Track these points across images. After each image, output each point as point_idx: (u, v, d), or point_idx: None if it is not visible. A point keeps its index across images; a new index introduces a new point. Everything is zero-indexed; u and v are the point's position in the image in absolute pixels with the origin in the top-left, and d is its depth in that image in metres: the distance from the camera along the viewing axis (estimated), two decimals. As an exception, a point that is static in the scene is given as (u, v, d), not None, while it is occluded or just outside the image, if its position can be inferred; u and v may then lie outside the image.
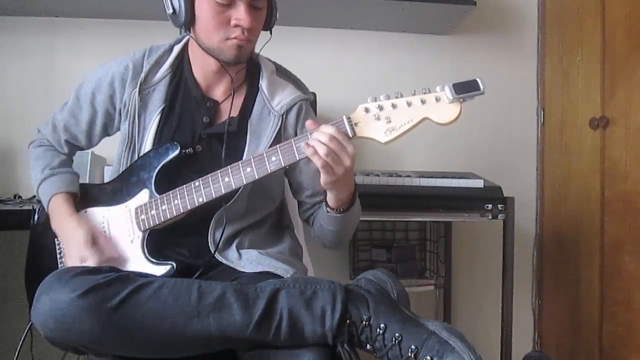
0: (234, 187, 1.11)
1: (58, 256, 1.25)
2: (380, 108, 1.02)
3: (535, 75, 2.49)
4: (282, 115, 1.26)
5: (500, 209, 1.81)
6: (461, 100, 0.98)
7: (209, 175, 1.13)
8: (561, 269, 2.31)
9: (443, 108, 0.99)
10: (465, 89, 0.98)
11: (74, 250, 1.15)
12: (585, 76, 2.15)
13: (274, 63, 1.35)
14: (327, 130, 1.03)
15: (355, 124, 1.04)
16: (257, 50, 1.27)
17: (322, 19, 2.27)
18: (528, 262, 2.48)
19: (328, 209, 1.19)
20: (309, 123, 1.06)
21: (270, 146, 1.19)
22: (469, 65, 2.42)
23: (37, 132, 1.38)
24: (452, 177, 1.85)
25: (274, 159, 1.08)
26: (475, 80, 0.98)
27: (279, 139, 1.23)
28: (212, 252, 1.18)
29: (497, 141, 2.44)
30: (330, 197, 1.16)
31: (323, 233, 1.27)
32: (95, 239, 1.16)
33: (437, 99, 1.00)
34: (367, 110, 1.03)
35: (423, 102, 1.00)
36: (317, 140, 1.02)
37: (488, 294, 2.31)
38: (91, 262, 1.12)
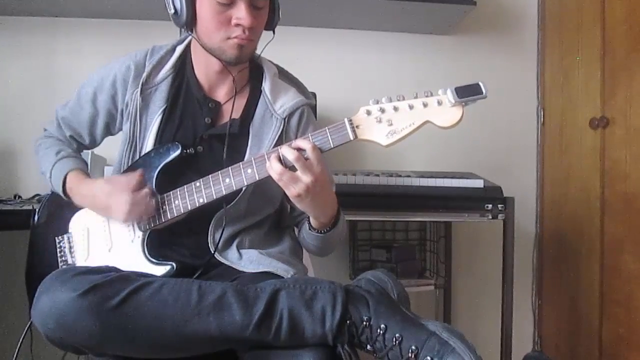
0: (234, 188, 1.11)
1: (58, 256, 1.25)
2: (382, 111, 1.01)
3: (535, 75, 2.49)
4: (285, 119, 1.25)
5: (500, 209, 1.81)
6: (463, 104, 0.97)
7: (210, 176, 1.12)
8: (561, 269, 2.31)
9: (445, 111, 0.98)
10: (467, 92, 0.97)
11: (105, 199, 1.15)
12: (585, 76, 2.15)
13: (276, 65, 1.35)
14: (298, 143, 1.04)
15: (357, 127, 1.03)
16: (259, 50, 1.27)
17: (322, 19, 2.27)
18: (528, 262, 2.48)
19: (310, 227, 1.20)
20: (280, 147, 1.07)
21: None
22: (469, 65, 2.42)
23: (43, 131, 1.39)
24: (452, 177, 1.85)
25: None
26: (478, 84, 0.97)
27: (280, 142, 1.23)
28: (212, 252, 1.18)
29: (497, 141, 2.45)
30: (311, 218, 1.17)
31: (306, 244, 1.30)
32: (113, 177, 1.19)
33: (439, 103, 0.99)
34: (368, 112, 1.02)
35: (425, 105, 0.99)
36: (275, 160, 1.03)
37: (488, 294, 2.31)
38: (126, 196, 1.12)
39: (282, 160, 1.04)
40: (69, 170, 1.24)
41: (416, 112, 1.00)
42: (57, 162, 1.26)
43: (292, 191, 1.04)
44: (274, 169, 1.03)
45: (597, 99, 2.05)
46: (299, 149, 1.03)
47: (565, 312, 2.28)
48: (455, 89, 0.97)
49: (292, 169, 1.04)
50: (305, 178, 1.02)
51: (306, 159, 1.03)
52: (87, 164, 1.33)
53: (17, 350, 1.23)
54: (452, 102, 0.97)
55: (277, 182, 1.04)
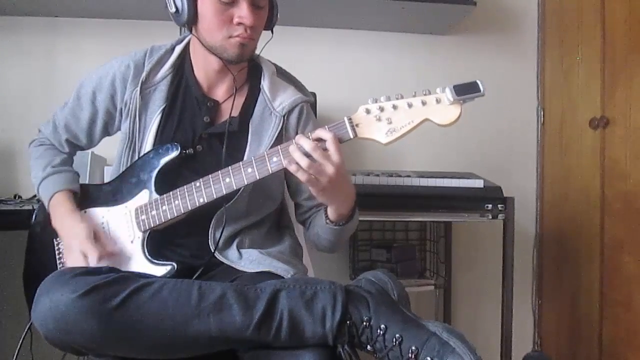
0: (234, 188, 1.11)
1: (57, 256, 1.25)
2: (381, 109, 1.02)
3: (535, 75, 2.49)
4: (284, 116, 1.26)
5: (500, 209, 1.81)
6: (462, 101, 0.99)
7: (210, 175, 1.12)
8: (561, 269, 2.31)
9: (444, 109, 1.00)
10: (465, 90, 0.98)
11: (75, 245, 1.14)
12: (585, 76, 2.15)
13: (274, 64, 1.36)
14: (318, 134, 1.04)
15: (356, 125, 1.04)
16: (258, 49, 1.27)
17: (322, 19, 2.26)
18: (528, 262, 2.48)
19: (327, 220, 1.19)
20: (297, 137, 1.06)
21: (272, 147, 1.20)
22: (469, 65, 2.42)
23: (37, 132, 1.39)
24: (452, 177, 1.85)
25: (275, 159, 1.08)
26: (476, 82, 0.99)
27: (280, 139, 1.24)
28: (212, 251, 1.18)
29: (497, 141, 2.44)
30: (331, 210, 1.17)
31: (318, 240, 1.29)
32: (97, 235, 1.17)
33: (438, 101, 1.00)
34: (368, 111, 1.03)
35: (424, 103, 1.00)
36: (300, 153, 1.02)
37: (488, 294, 2.31)
38: (92, 257, 1.12)
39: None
40: (55, 192, 1.23)
41: (415, 110, 1.01)
42: (45, 179, 1.26)
43: (317, 185, 1.04)
44: (302, 164, 1.02)
45: (597, 99, 2.05)
46: (319, 140, 1.04)
47: (565, 312, 2.28)
48: (454, 87, 0.98)
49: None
50: (329, 169, 1.03)
51: (325, 149, 1.03)
52: (76, 174, 1.32)
53: (17, 350, 1.23)
54: (451, 100, 0.98)
55: (299, 178, 1.03)
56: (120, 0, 2.02)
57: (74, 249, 1.15)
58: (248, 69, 1.31)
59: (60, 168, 1.29)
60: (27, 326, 1.17)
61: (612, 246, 1.98)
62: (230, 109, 1.24)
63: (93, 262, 1.12)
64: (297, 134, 1.27)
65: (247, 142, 1.23)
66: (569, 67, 2.26)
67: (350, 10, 2.18)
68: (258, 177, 1.09)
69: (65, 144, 1.35)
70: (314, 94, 1.55)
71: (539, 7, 2.49)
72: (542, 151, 2.48)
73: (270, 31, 1.28)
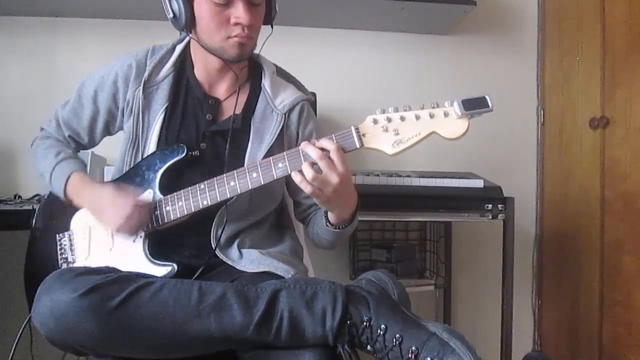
0: (239, 192, 1.12)
1: (58, 255, 1.25)
2: (389, 120, 1.02)
3: (535, 75, 2.49)
4: (285, 114, 1.26)
5: (500, 209, 1.81)
6: (469, 116, 0.99)
7: (215, 178, 1.13)
8: (561, 269, 2.31)
9: (451, 123, 1.00)
10: (474, 105, 0.99)
11: (106, 204, 1.14)
12: (585, 76, 2.15)
13: (274, 64, 1.36)
14: (322, 143, 1.04)
15: (363, 135, 1.04)
16: (259, 46, 1.27)
17: (322, 19, 2.27)
18: (528, 262, 2.48)
19: (328, 223, 1.20)
20: (303, 145, 1.07)
21: (273, 144, 1.22)
22: (469, 66, 2.42)
23: (40, 130, 1.39)
24: (452, 177, 1.85)
25: (280, 165, 1.08)
26: (484, 97, 1.00)
27: (281, 137, 1.24)
28: (214, 249, 1.18)
29: (497, 141, 2.44)
30: (332, 215, 1.18)
31: (318, 239, 1.30)
32: (122, 187, 1.17)
33: (446, 114, 1.01)
34: (375, 121, 1.04)
35: (431, 116, 1.01)
36: (307, 163, 1.04)
37: (488, 294, 2.31)
38: (127, 208, 1.11)
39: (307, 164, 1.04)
40: (72, 172, 1.23)
41: (422, 122, 1.01)
42: (59, 163, 1.26)
43: (321, 197, 1.05)
44: (307, 175, 1.03)
45: (597, 99, 2.05)
46: (323, 149, 1.04)
47: (565, 312, 2.28)
48: (462, 101, 0.99)
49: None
50: (333, 179, 1.03)
51: (329, 159, 1.04)
52: (85, 165, 1.33)
53: (13, 347, 1.22)
54: (459, 114, 0.99)
55: (304, 189, 1.04)
56: (120, 0, 2.02)
57: (106, 209, 1.14)
58: (249, 68, 1.31)
59: (74, 155, 1.31)
60: (25, 324, 1.16)
61: (612, 246, 1.98)
62: (234, 107, 1.24)
63: (128, 211, 1.11)
64: (298, 132, 1.29)
65: (248, 140, 1.24)
66: (569, 67, 2.26)
67: (350, 10, 2.18)
68: (263, 182, 1.10)
69: (69, 140, 1.35)
70: (314, 94, 1.55)
71: (539, 7, 2.49)
72: (542, 151, 2.48)
73: (270, 26, 1.28)
